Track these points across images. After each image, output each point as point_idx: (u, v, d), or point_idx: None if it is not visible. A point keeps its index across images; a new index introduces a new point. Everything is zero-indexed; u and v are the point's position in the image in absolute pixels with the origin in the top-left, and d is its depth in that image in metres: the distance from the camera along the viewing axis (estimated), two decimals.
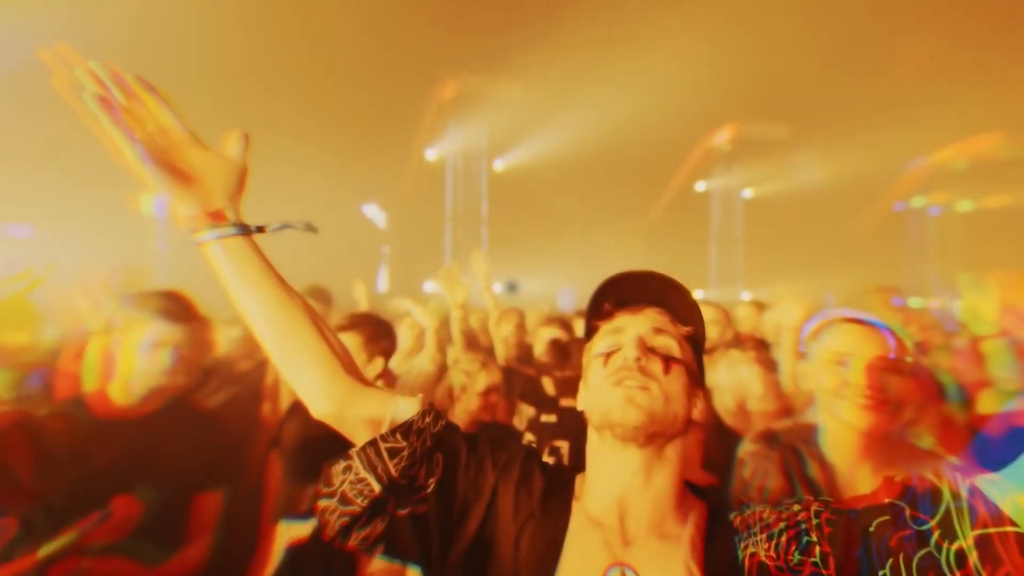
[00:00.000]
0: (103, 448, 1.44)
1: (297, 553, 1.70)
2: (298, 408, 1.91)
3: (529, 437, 2.25)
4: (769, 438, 1.30)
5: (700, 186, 11.39)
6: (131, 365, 1.53)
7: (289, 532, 1.75)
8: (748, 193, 11.45)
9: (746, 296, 9.06)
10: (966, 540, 0.69)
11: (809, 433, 1.27)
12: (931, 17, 6.90)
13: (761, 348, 2.36)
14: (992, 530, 0.69)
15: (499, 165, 10.28)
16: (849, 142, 8.93)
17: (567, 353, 2.43)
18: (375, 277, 9.34)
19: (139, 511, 1.43)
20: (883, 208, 10.77)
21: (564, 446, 2.13)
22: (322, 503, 0.86)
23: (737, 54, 7.16)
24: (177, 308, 1.58)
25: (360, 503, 0.84)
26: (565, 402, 2.29)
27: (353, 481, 0.85)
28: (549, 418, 2.26)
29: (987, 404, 1.96)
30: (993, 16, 6.98)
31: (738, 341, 2.58)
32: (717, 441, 1.87)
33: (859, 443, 1.20)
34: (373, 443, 0.87)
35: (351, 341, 1.90)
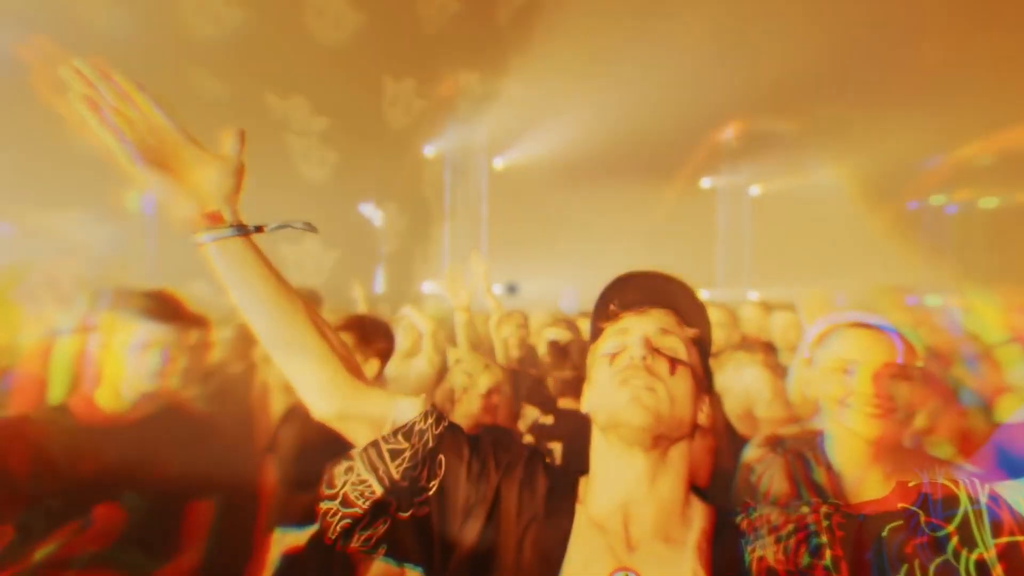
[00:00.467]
0: (95, 455, 1.44)
1: (293, 561, 1.71)
2: (294, 413, 1.92)
3: (528, 439, 2.27)
4: (775, 443, 1.31)
5: (706, 183, 11.39)
6: (120, 368, 1.53)
7: (284, 541, 1.76)
8: (755, 190, 11.45)
9: (753, 296, 9.05)
10: (988, 550, 0.70)
11: (816, 439, 1.27)
12: (953, 5, 6.80)
13: (769, 351, 2.36)
14: (1020, 538, 0.69)
15: (499, 163, 10.29)
16: (863, 137, 8.87)
17: (565, 354, 2.46)
18: (372, 277, 9.34)
19: (122, 519, 1.42)
20: (898, 206, 10.69)
21: (557, 447, 2.16)
22: (324, 505, 0.88)
23: (744, 45, 7.14)
24: (166, 307, 1.58)
25: (362, 505, 0.86)
26: (562, 403, 2.32)
27: (355, 482, 0.86)
28: (546, 419, 2.29)
29: (1007, 411, 1.96)
30: (1019, 3, 6.87)
31: (745, 344, 2.58)
32: (729, 449, 1.88)
33: (867, 451, 1.19)
34: (375, 444, 0.88)
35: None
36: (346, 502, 0.86)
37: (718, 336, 2.85)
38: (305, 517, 1.68)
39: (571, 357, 2.40)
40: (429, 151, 9.89)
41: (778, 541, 0.82)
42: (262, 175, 0.90)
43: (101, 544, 1.39)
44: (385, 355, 2.14)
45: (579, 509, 0.89)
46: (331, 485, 0.88)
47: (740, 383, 2.14)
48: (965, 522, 0.73)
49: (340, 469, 0.89)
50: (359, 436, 0.91)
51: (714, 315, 2.37)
